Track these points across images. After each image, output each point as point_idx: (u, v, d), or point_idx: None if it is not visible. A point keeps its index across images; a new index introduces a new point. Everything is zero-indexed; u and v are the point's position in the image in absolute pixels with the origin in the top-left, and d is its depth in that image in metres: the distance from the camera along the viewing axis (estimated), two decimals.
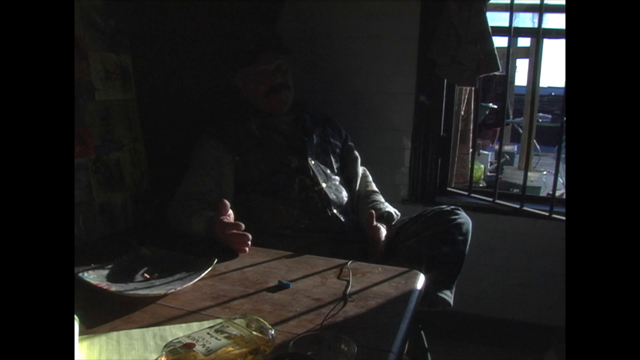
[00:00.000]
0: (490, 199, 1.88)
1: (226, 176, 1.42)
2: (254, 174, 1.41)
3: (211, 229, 1.23)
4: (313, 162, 1.47)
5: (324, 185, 1.44)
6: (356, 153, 1.66)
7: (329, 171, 1.50)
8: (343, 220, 1.43)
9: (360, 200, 1.57)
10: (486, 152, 3.96)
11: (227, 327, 0.76)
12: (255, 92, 1.50)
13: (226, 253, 1.18)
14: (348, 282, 1.02)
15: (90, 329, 0.81)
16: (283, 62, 1.52)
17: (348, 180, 1.59)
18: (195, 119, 1.60)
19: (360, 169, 1.66)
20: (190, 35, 1.56)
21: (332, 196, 1.44)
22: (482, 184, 3.10)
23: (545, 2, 1.68)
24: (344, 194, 1.50)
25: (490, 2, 1.68)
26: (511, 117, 4.38)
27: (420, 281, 1.05)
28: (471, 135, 2.65)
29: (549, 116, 5.04)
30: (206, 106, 1.65)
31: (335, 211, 1.43)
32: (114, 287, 0.94)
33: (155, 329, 0.82)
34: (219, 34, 1.67)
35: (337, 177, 1.53)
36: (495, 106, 4.11)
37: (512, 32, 1.78)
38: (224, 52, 1.61)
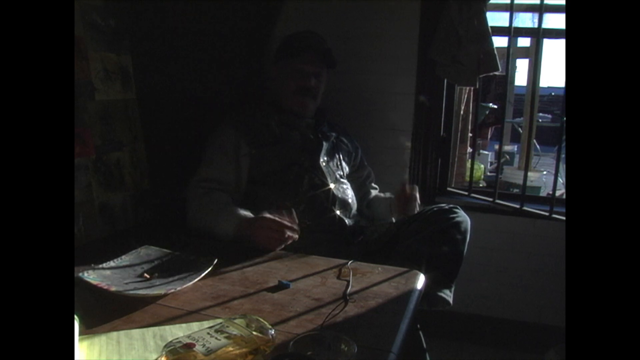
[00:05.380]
0: (490, 199, 1.88)
1: (243, 166, 1.43)
2: (266, 169, 1.43)
3: (243, 228, 1.23)
4: (324, 163, 1.49)
5: (332, 186, 1.46)
6: (370, 169, 1.72)
7: (338, 174, 1.52)
8: (346, 222, 1.44)
9: (375, 197, 1.67)
10: (486, 152, 3.96)
11: (227, 327, 0.76)
12: (285, 86, 1.52)
13: (226, 253, 1.18)
14: (348, 282, 1.02)
15: (90, 329, 0.81)
16: (324, 72, 1.55)
17: (360, 192, 1.64)
18: (197, 118, 1.60)
19: (374, 191, 1.72)
20: (190, 35, 1.56)
21: (339, 197, 1.46)
22: (482, 184, 3.09)
23: (545, 2, 1.68)
24: (351, 198, 1.52)
25: (490, 2, 1.68)
26: (511, 117, 4.38)
27: (420, 281, 1.05)
28: (469, 135, 2.65)
29: (549, 116, 5.04)
30: (207, 105, 1.65)
31: (339, 212, 1.44)
32: (114, 287, 0.94)
33: (155, 329, 0.82)
34: (218, 34, 1.67)
35: (345, 181, 1.55)
36: (495, 106, 4.11)
37: (512, 32, 1.78)
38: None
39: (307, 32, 1.58)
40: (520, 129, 4.25)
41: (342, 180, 1.53)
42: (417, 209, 1.47)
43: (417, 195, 1.47)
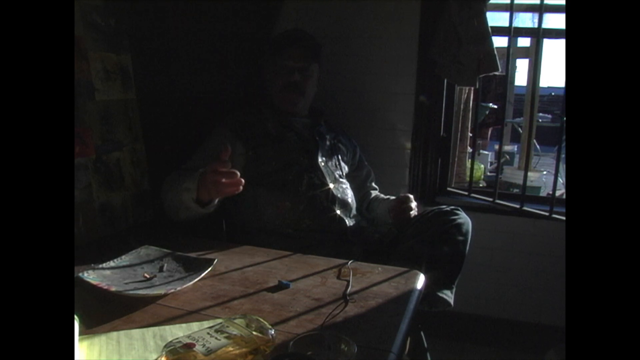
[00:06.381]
0: (490, 199, 1.88)
1: (235, 165, 1.41)
2: (264, 169, 1.42)
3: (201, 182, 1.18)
4: (323, 163, 1.49)
5: (331, 185, 1.46)
6: (369, 168, 1.71)
7: (337, 174, 1.52)
8: (346, 221, 1.44)
9: (375, 198, 1.66)
10: (486, 152, 3.95)
11: (227, 327, 0.76)
12: (273, 84, 1.53)
13: (226, 252, 1.18)
14: (348, 282, 1.02)
15: (90, 329, 0.81)
16: (310, 67, 1.53)
17: (361, 192, 1.64)
18: (197, 118, 1.60)
19: (375, 191, 1.71)
20: (190, 35, 1.56)
21: (338, 197, 1.46)
22: (482, 184, 3.09)
23: (545, 2, 1.68)
24: (350, 198, 1.52)
25: (490, 2, 1.68)
26: (511, 117, 4.37)
27: (420, 281, 1.05)
28: (469, 135, 2.65)
29: (549, 116, 5.03)
30: (207, 105, 1.65)
31: (339, 212, 1.44)
32: (114, 287, 0.94)
33: (155, 329, 0.82)
34: (218, 34, 1.67)
35: (345, 181, 1.54)
36: (495, 106, 4.10)
37: (512, 32, 1.77)
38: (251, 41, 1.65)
39: (293, 29, 1.59)
40: (520, 129, 4.25)
41: (341, 180, 1.53)
42: (416, 211, 1.47)
43: (414, 206, 1.47)
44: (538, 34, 1.73)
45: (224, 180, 1.12)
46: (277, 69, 1.50)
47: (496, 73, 1.69)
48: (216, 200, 1.25)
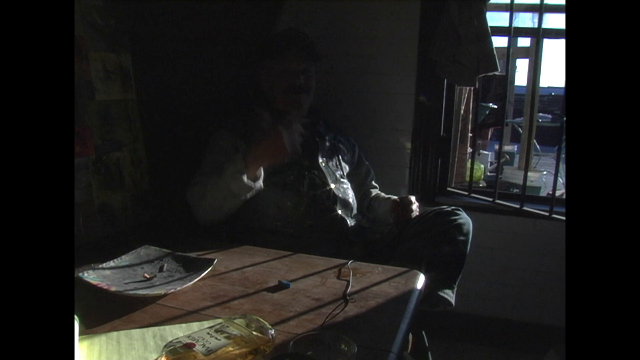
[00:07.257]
0: (490, 199, 1.88)
1: None
2: (266, 170, 1.41)
3: (249, 165, 1.23)
4: (323, 163, 1.49)
5: (332, 185, 1.46)
6: (368, 165, 1.70)
7: (338, 174, 1.52)
8: (348, 221, 1.44)
9: (375, 197, 1.65)
10: (486, 152, 3.96)
11: (227, 327, 0.76)
12: (276, 87, 1.50)
13: (225, 249, 1.18)
14: (348, 282, 1.02)
15: (90, 329, 0.81)
16: (311, 67, 1.52)
17: (361, 191, 1.64)
18: (197, 118, 1.60)
19: (375, 190, 1.70)
20: (190, 35, 1.56)
21: (339, 197, 1.46)
22: (482, 184, 3.09)
23: (545, 2, 1.68)
24: (351, 198, 1.51)
25: (490, 2, 1.68)
26: (511, 117, 4.38)
27: (420, 281, 1.05)
28: (470, 135, 2.66)
29: (549, 116, 5.04)
30: (207, 105, 1.65)
31: (340, 212, 1.44)
32: (114, 287, 0.94)
33: (155, 329, 0.82)
34: (218, 34, 1.67)
35: (345, 181, 1.54)
36: (495, 106, 4.11)
37: (512, 32, 1.78)
38: (252, 41, 1.65)
39: (287, 29, 1.57)
40: (520, 129, 4.25)
41: (342, 180, 1.53)
42: (417, 212, 1.47)
43: (414, 207, 1.46)
44: (538, 34, 1.73)
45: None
46: (279, 73, 1.48)
47: (496, 73, 1.69)
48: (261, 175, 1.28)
